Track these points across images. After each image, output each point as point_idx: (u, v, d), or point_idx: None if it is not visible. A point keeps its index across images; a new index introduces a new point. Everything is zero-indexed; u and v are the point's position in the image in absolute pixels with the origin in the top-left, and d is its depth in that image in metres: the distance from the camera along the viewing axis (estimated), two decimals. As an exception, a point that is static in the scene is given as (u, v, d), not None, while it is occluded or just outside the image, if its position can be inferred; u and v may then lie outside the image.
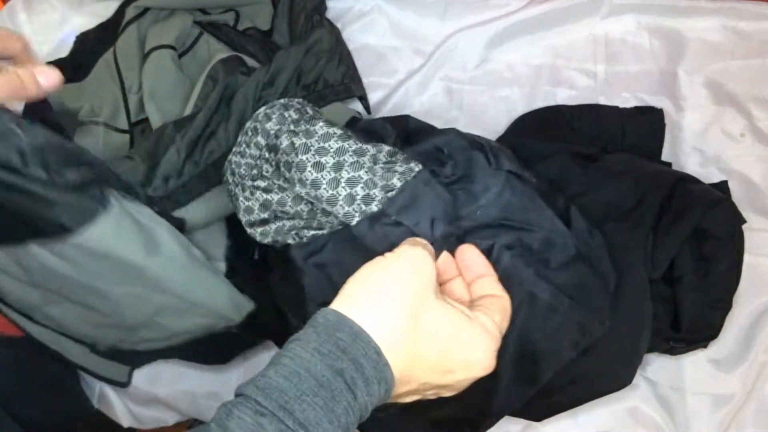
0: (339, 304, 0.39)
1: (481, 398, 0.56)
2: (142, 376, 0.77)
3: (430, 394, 0.43)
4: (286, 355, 0.37)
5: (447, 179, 0.54)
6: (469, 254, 0.47)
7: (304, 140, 0.51)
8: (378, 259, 0.41)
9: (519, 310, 0.52)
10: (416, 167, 0.52)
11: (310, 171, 0.50)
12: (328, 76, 0.78)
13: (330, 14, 0.88)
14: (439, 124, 0.86)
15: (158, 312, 0.56)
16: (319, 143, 0.51)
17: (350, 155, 0.51)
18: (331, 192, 0.50)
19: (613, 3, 0.87)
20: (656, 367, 0.73)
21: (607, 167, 0.72)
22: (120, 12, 0.83)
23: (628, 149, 0.78)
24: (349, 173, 0.50)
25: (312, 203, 0.52)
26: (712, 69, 0.84)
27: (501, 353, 0.43)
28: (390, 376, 0.38)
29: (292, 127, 0.53)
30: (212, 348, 0.68)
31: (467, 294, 0.46)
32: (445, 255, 0.46)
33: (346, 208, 0.50)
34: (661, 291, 0.67)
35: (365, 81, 0.86)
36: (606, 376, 0.65)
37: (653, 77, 0.86)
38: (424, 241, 0.44)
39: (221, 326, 0.61)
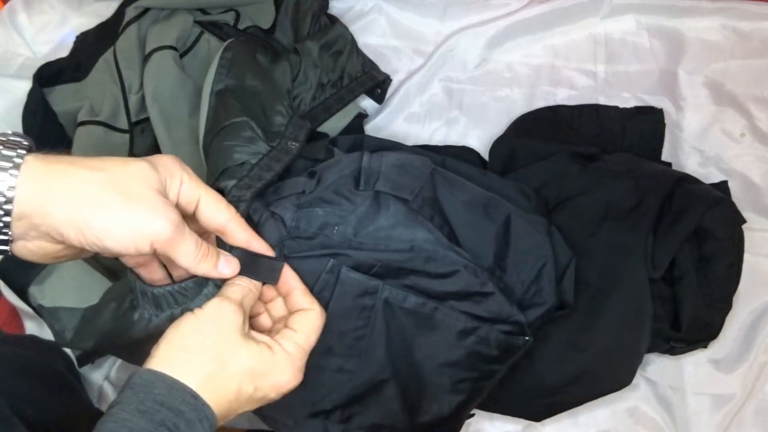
0: (152, 364, 0.42)
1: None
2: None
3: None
4: (108, 420, 0.39)
5: (306, 198, 0.56)
6: (284, 271, 0.51)
7: None
8: (185, 317, 0.45)
9: (375, 319, 0.55)
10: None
11: None
12: (350, 70, 0.80)
13: (330, 14, 0.88)
14: (439, 124, 0.86)
15: None
16: None
17: None
18: None
19: (613, 3, 0.87)
20: (656, 367, 0.73)
21: (607, 167, 0.72)
22: (120, 12, 0.83)
23: (628, 149, 0.78)
24: None
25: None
26: (712, 69, 0.84)
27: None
28: (210, 413, 0.42)
29: None
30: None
31: (270, 321, 0.52)
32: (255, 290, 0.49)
33: None
34: (661, 291, 0.67)
35: (365, 81, 0.86)
36: (606, 376, 0.65)
37: (653, 77, 0.86)
38: (233, 294, 0.47)
39: None
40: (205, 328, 0.44)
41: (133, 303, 0.52)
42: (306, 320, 0.49)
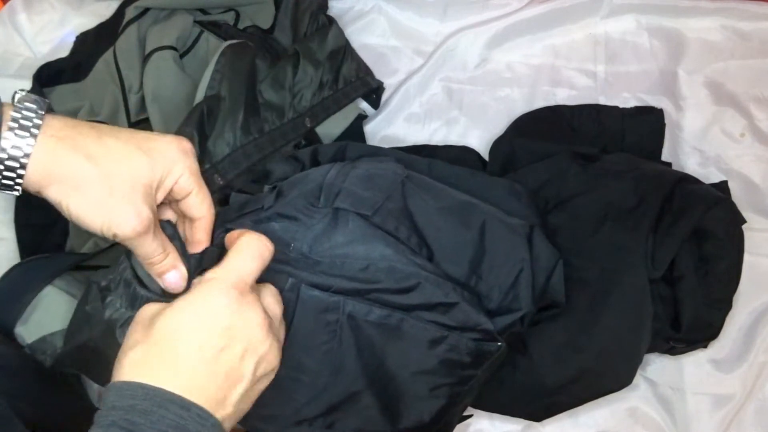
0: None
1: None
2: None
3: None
4: None
5: (264, 214, 0.56)
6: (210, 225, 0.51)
7: None
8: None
9: (342, 333, 0.54)
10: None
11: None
12: (346, 73, 0.80)
13: (330, 14, 0.88)
14: (439, 124, 0.86)
15: None
16: None
17: None
18: None
19: (613, 3, 0.87)
20: (656, 367, 0.73)
21: (607, 167, 0.72)
22: (120, 12, 0.83)
23: (628, 149, 0.78)
24: None
25: None
26: (712, 69, 0.84)
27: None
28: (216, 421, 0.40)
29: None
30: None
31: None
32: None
33: None
34: (661, 291, 0.67)
35: (365, 81, 0.86)
36: (606, 376, 0.65)
37: (653, 77, 0.86)
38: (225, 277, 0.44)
39: None
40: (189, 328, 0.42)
41: (108, 287, 0.52)
42: (237, 243, 0.46)
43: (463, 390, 0.59)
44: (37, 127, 0.42)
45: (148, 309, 0.44)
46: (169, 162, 0.46)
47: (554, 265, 0.61)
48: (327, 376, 0.55)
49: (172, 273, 0.48)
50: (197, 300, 0.42)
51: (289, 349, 0.49)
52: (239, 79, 0.69)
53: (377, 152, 0.69)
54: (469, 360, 0.57)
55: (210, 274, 0.44)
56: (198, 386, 0.40)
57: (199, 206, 0.49)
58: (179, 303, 0.42)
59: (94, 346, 0.54)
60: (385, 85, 0.86)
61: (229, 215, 0.57)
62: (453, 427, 0.62)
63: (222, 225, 0.54)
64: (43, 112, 0.43)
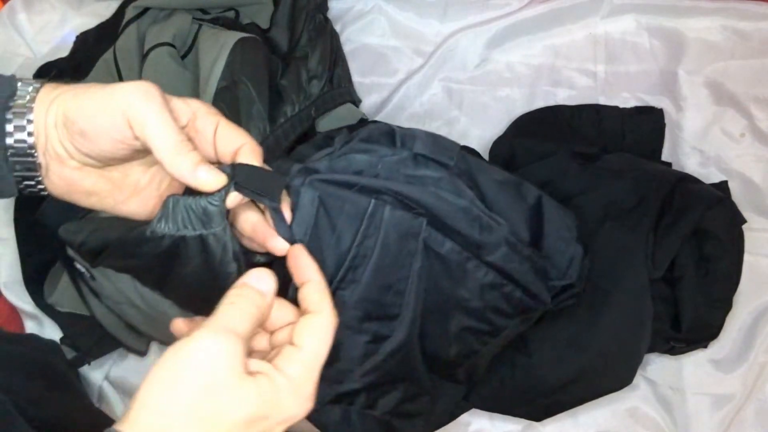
0: (125, 427, 0.33)
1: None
2: (140, 375, 0.77)
3: None
4: None
5: (339, 152, 0.54)
6: (298, 255, 0.43)
7: None
8: (164, 358, 0.35)
9: (412, 261, 0.52)
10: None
11: None
12: (339, 75, 0.81)
13: (330, 14, 0.88)
14: (439, 124, 0.86)
15: None
16: None
17: None
18: None
19: (613, 3, 0.87)
20: (656, 367, 0.73)
21: (607, 167, 0.72)
22: (120, 12, 0.83)
23: (628, 149, 0.78)
24: None
25: None
26: (712, 69, 0.84)
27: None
28: None
29: None
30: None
31: (267, 343, 0.42)
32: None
33: None
34: (661, 291, 0.67)
35: (365, 81, 0.86)
36: (606, 376, 0.65)
37: (653, 77, 0.86)
38: (230, 322, 0.37)
39: None
40: (187, 376, 0.34)
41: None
42: (313, 329, 0.39)
43: (486, 343, 0.58)
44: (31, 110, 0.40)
45: (218, 357, 0.35)
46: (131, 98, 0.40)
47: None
48: (391, 327, 0.53)
49: (202, 168, 0.40)
50: (281, 397, 0.36)
51: (364, 291, 0.47)
52: (258, 68, 0.69)
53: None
54: (511, 311, 0.57)
55: (298, 371, 0.37)
56: None
57: (235, 132, 0.42)
58: (264, 388, 0.36)
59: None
60: (385, 85, 0.86)
61: (299, 158, 0.55)
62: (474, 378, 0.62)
63: (294, 164, 0.52)
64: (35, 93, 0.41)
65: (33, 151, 0.41)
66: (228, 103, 0.66)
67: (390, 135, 0.56)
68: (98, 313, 0.71)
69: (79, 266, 0.67)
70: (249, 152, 0.42)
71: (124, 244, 0.44)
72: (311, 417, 0.57)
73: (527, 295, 0.57)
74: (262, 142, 0.66)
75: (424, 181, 0.53)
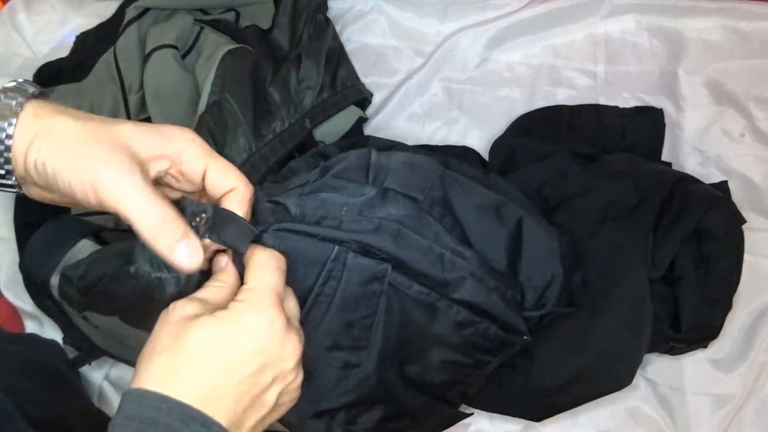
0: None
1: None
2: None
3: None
4: None
5: (310, 187, 0.55)
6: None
7: None
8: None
9: (378, 301, 0.53)
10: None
11: None
12: (342, 77, 0.80)
13: (330, 14, 0.88)
14: (439, 124, 0.86)
15: None
16: None
17: None
18: None
19: (613, 3, 0.87)
20: (656, 367, 0.73)
21: (607, 167, 0.72)
22: (120, 12, 0.83)
23: (628, 149, 0.78)
24: None
25: None
26: (712, 69, 0.84)
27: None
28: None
29: None
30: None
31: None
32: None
33: None
34: (661, 291, 0.67)
35: (365, 81, 0.86)
36: (606, 376, 0.65)
37: (653, 77, 0.86)
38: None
39: None
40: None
41: (132, 252, 0.49)
42: (259, 264, 0.44)
43: (474, 373, 0.59)
44: (20, 105, 0.41)
45: (182, 309, 0.41)
46: (168, 138, 0.43)
47: (574, 270, 0.62)
48: (360, 356, 0.54)
49: (182, 244, 0.41)
50: (240, 317, 0.41)
51: (330, 325, 0.49)
52: (243, 83, 0.69)
53: (398, 146, 0.68)
54: (492, 346, 0.57)
55: (244, 295, 0.42)
56: (221, 406, 0.39)
57: (224, 176, 0.44)
58: (220, 315, 0.41)
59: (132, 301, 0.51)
60: (384, 85, 0.86)
61: (272, 190, 0.55)
62: (456, 407, 0.63)
63: (266, 197, 0.53)
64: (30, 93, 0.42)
65: (9, 166, 0.41)
66: (215, 119, 0.66)
67: (364, 169, 0.56)
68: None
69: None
70: (237, 201, 0.44)
71: (117, 276, 0.48)
72: (294, 430, 0.58)
73: (502, 329, 0.57)
74: (248, 158, 0.66)
75: (388, 220, 0.53)
